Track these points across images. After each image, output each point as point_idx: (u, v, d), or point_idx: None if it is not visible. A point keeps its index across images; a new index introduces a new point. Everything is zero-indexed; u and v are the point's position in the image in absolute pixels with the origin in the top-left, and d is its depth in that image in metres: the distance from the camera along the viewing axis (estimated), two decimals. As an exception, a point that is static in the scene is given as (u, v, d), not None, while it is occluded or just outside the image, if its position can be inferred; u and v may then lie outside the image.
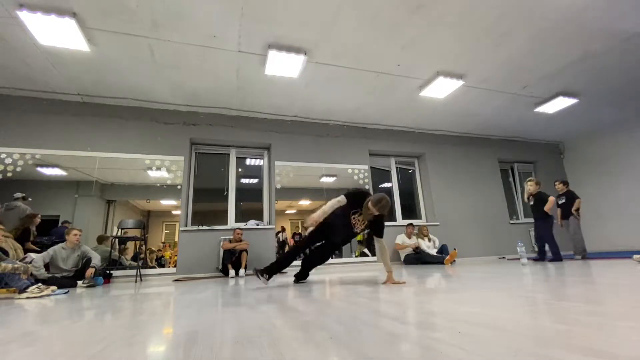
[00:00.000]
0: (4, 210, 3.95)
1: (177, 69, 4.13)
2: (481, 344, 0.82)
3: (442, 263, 4.93)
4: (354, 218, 2.72)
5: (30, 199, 4.19)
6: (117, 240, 4.34)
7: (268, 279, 2.68)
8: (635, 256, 3.55)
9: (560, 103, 5.56)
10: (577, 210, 4.89)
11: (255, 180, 5.75)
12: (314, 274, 4.01)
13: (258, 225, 5.19)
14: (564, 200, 5.03)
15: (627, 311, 1.14)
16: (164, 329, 1.24)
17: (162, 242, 5.17)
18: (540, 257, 4.67)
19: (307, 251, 3.09)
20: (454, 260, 5.09)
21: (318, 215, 2.61)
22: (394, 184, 6.47)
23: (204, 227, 4.89)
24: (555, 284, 2.02)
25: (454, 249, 5.20)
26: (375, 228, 2.63)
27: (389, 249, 5.55)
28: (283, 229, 6.27)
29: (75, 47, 3.54)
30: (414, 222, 5.93)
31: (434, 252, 5.32)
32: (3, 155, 4.27)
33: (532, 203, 4.88)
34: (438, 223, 6.12)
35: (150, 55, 3.82)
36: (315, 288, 2.42)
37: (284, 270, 4.82)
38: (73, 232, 3.68)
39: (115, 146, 4.75)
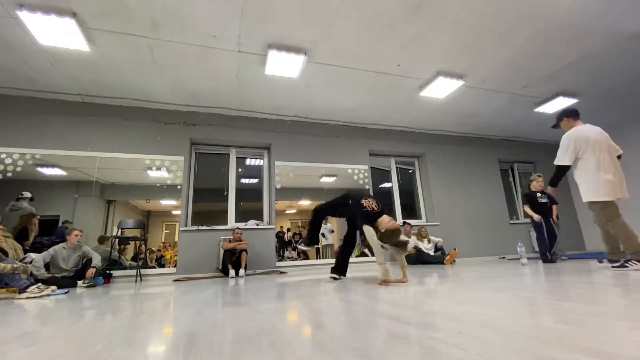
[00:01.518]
0: (9, 210, 3.95)
1: (177, 69, 4.13)
2: (481, 344, 0.82)
3: (442, 263, 4.93)
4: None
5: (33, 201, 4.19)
6: (117, 240, 4.34)
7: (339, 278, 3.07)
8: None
9: (560, 103, 5.56)
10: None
11: (255, 180, 5.75)
12: (315, 274, 4.01)
13: (258, 225, 5.20)
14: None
15: (627, 311, 1.14)
16: (164, 329, 1.24)
17: (162, 242, 5.16)
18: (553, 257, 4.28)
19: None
20: (454, 260, 5.09)
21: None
22: (394, 184, 6.47)
23: (204, 227, 4.88)
24: (555, 284, 2.02)
25: (454, 249, 5.20)
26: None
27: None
28: (288, 230, 6.30)
29: (75, 47, 3.54)
30: (414, 222, 5.93)
31: (432, 252, 5.33)
32: (3, 155, 4.27)
33: (545, 200, 4.50)
34: (438, 223, 6.12)
35: (150, 55, 3.82)
36: (315, 288, 2.42)
37: (283, 271, 4.85)
38: (74, 233, 3.68)
39: (115, 146, 4.75)
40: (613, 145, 2.92)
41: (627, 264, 2.64)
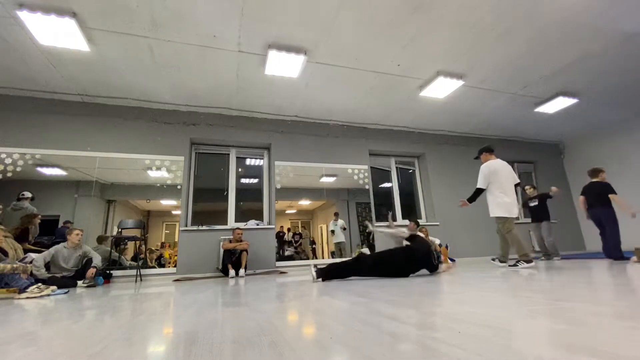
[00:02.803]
0: (11, 210, 3.95)
1: (177, 69, 4.13)
2: (481, 344, 0.82)
3: (441, 263, 4.92)
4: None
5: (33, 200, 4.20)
6: (116, 240, 4.34)
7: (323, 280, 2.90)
8: (632, 258, 3.54)
9: (560, 103, 5.56)
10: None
11: (255, 180, 5.75)
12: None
13: (258, 225, 5.19)
14: (536, 203, 5.22)
15: (627, 311, 1.14)
16: (163, 329, 1.24)
17: (162, 242, 5.15)
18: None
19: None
20: (454, 260, 5.08)
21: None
22: (394, 184, 6.47)
23: (204, 227, 4.88)
24: (555, 284, 2.02)
25: (446, 247, 5.17)
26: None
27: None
28: (288, 230, 6.28)
29: (75, 47, 3.54)
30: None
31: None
32: (3, 155, 4.27)
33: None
34: (438, 223, 6.11)
35: (150, 55, 3.82)
36: (315, 288, 2.42)
37: (283, 271, 4.85)
38: (75, 232, 3.69)
39: (115, 146, 4.75)
40: (514, 176, 3.81)
41: (517, 264, 3.49)
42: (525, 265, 3.46)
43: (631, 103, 5.85)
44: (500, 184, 3.69)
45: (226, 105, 5.19)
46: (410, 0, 3.19)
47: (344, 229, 5.77)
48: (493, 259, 4.20)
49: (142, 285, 3.59)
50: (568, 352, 0.72)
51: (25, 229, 3.91)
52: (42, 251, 3.62)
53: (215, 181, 5.51)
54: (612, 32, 3.86)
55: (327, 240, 6.07)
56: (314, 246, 6.25)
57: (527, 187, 5.43)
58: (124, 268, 4.44)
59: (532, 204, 5.26)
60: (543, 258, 5.03)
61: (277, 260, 5.11)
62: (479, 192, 3.81)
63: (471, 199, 3.87)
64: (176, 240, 4.79)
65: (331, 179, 5.83)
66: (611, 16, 3.58)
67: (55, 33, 3.29)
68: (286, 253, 5.84)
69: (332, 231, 5.83)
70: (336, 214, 5.92)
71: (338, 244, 5.78)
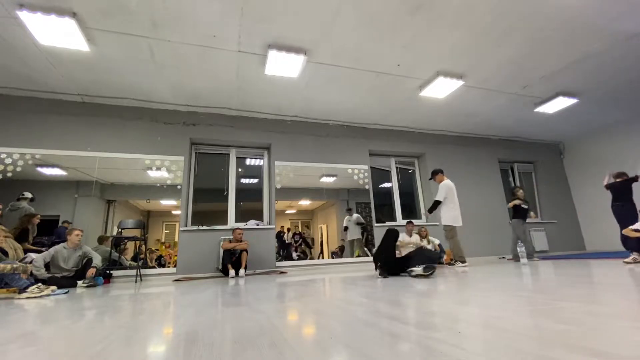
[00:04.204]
0: (9, 210, 3.95)
1: (177, 69, 4.12)
2: (481, 344, 0.82)
3: (441, 262, 4.92)
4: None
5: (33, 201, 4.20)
6: (116, 240, 4.34)
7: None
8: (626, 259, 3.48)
9: (560, 103, 5.56)
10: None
11: (255, 180, 5.75)
12: (314, 274, 4.01)
13: (258, 225, 5.19)
14: (527, 206, 5.49)
15: (627, 311, 1.14)
16: (164, 329, 1.24)
17: (161, 242, 5.14)
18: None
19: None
20: (455, 260, 5.07)
21: None
22: (394, 184, 6.47)
23: (204, 227, 4.88)
24: (555, 284, 2.02)
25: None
26: None
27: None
28: (288, 230, 6.26)
29: (75, 47, 3.54)
30: (414, 221, 5.91)
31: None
32: (3, 155, 4.27)
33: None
34: (438, 223, 6.10)
35: (150, 55, 3.82)
36: (315, 287, 2.43)
37: (283, 271, 4.86)
38: (75, 232, 3.68)
39: (115, 146, 4.75)
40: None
41: (454, 263, 4.36)
42: (460, 264, 4.26)
43: (631, 103, 5.85)
44: (453, 199, 4.61)
45: (226, 105, 5.19)
46: (410, 0, 3.19)
47: (358, 223, 5.71)
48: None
49: (142, 285, 3.59)
50: (568, 352, 0.72)
51: (25, 229, 3.91)
52: (42, 251, 3.62)
53: (215, 181, 5.50)
54: (612, 32, 3.86)
55: (327, 240, 6.07)
56: (313, 246, 6.24)
57: (519, 191, 5.52)
58: (124, 268, 4.44)
59: (524, 206, 5.43)
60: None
61: (277, 260, 5.11)
62: (438, 203, 4.65)
63: (431, 210, 4.67)
64: (176, 240, 4.79)
65: (331, 179, 5.83)
66: (611, 16, 3.58)
67: (55, 33, 3.28)
68: (294, 255, 5.82)
69: (346, 227, 5.75)
70: (349, 210, 5.86)
71: (352, 242, 5.72)
